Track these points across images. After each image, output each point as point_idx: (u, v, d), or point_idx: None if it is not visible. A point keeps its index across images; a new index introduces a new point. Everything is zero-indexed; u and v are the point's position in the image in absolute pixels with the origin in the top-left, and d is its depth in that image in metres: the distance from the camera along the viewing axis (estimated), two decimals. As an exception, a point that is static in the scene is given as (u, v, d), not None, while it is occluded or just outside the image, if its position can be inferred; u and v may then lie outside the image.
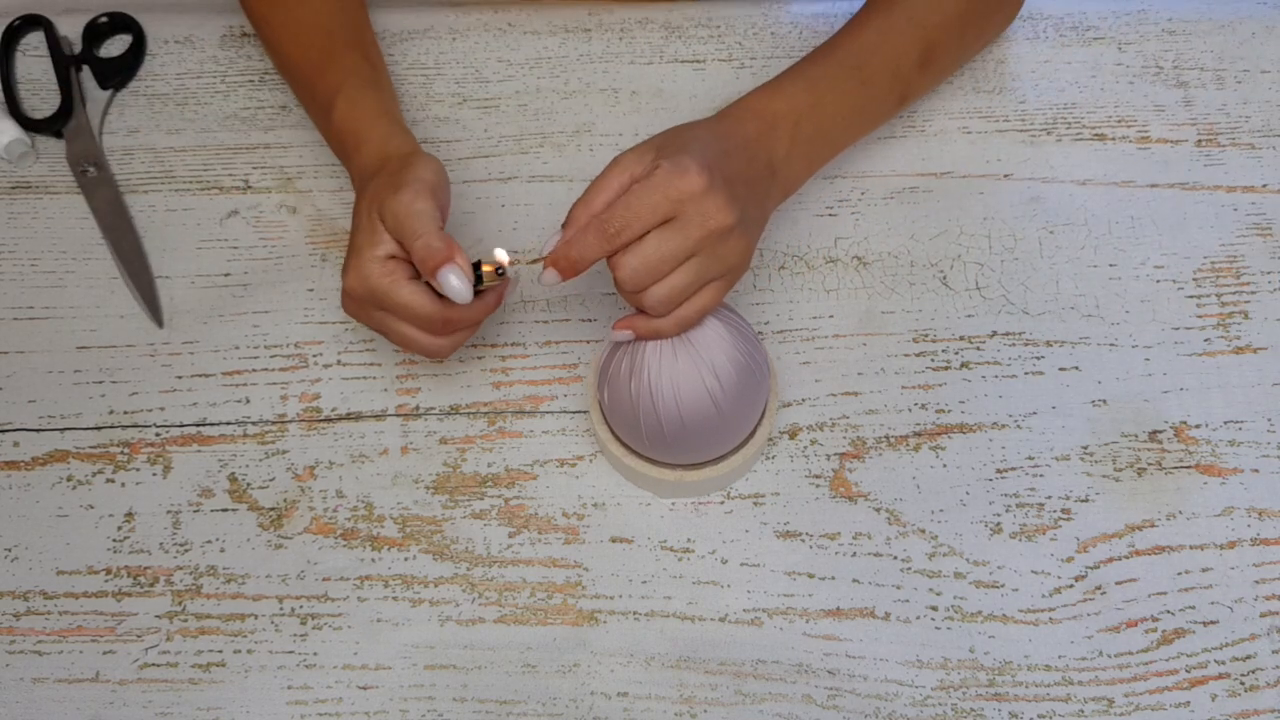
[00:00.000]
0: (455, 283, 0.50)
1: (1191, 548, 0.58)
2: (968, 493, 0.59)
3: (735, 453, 0.57)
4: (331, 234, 0.67)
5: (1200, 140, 0.69)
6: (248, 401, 0.62)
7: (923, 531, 0.58)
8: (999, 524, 0.58)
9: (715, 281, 0.52)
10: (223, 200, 0.69)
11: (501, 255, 0.52)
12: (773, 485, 0.59)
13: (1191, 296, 0.64)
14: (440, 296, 0.52)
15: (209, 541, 0.59)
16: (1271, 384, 0.62)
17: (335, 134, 0.60)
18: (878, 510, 0.59)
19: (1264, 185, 0.67)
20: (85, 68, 0.73)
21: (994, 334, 0.63)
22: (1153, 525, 0.58)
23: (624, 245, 0.50)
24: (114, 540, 0.59)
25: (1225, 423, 0.61)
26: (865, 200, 0.67)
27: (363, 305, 0.54)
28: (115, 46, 0.74)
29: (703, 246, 0.50)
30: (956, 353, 0.63)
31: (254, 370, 0.63)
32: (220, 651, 0.56)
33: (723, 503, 0.59)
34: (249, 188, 0.69)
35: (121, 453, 0.61)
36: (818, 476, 0.60)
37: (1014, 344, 0.63)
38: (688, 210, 0.50)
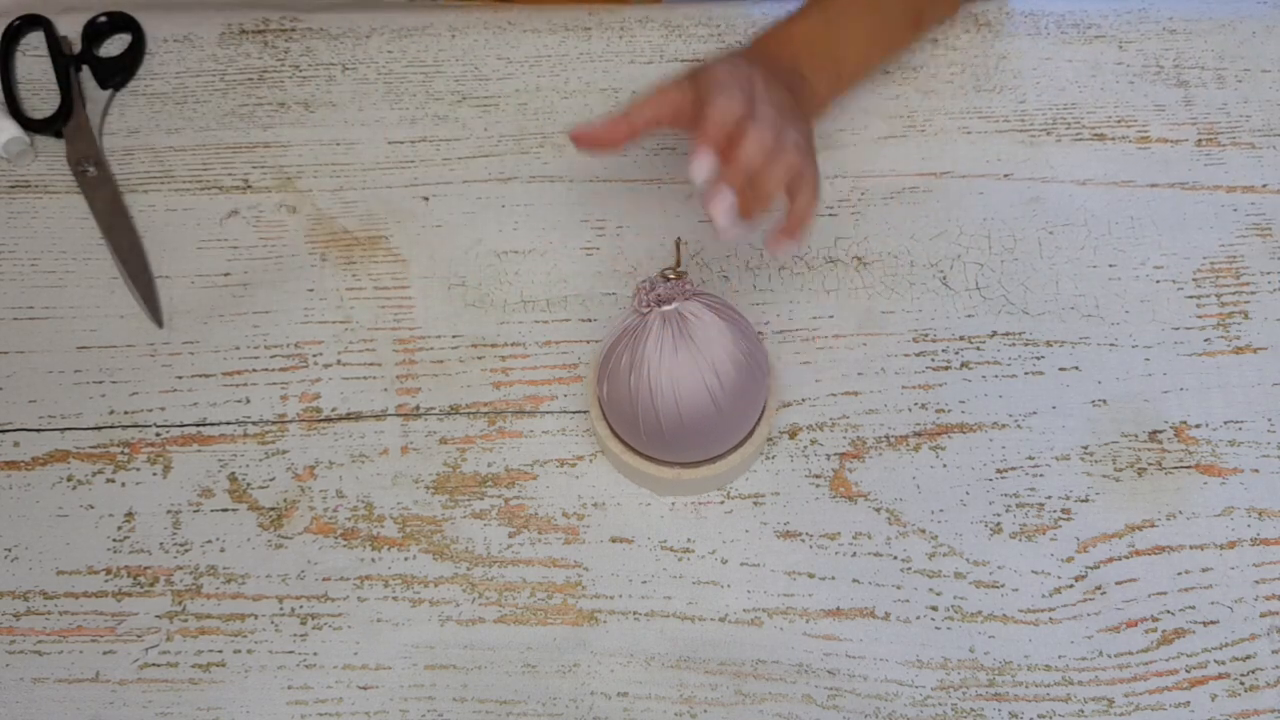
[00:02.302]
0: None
1: (1191, 548, 0.58)
2: (968, 493, 0.59)
3: (734, 451, 0.57)
4: (331, 234, 0.67)
5: (1200, 140, 0.69)
6: (248, 401, 0.62)
7: (923, 531, 0.58)
8: (999, 524, 0.58)
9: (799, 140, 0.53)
10: (223, 200, 0.68)
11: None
12: (773, 485, 0.59)
13: (1191, 296, 0.64)
14: None
15: (209, 541, 0.59)
16: (1271, 384, 0.62)
17: None
18: (878, 510, 0.59)
19: (1264, 185, 0.67)
20: (85, 67, 0.73)
21: (994, 334, 0.63)
22: (1153, 525, 0.58)
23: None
24: (114, 540, 0.59)
25: (1225, 423, 0.61)
26: (865, 200, 0.67)
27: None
28: (115, 46, 0.74)
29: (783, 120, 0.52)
30: (956, 353, 0.63)
31: (254, 370, 0.63)
32: (220, 651, 0.56)
33: (722, 503, 0.59)
34: (249, 187, 0.69)
35: (121, 453, 0.61)
36: (818, 476, 0.60)
37: (1014, 344, 0.63)
38: (759, 99, 0.52)
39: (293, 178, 0.69)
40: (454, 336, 0.64)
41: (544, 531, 0.59)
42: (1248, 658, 0.55)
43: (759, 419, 0.57)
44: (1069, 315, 0.63)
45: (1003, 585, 0.57)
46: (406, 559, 0.58)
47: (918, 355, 0.63)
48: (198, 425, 0.62)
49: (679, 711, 0.55)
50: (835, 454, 0.60)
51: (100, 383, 0.63)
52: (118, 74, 0.72)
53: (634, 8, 0.74)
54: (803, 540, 0.58)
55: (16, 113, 0.71)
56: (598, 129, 0.53)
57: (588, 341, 0.63)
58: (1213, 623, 0.56)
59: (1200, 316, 0.64)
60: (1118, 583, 0.57)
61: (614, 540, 0.58)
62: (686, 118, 0.53)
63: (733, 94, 0.51)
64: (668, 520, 0.59)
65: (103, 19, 0.74)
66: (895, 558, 0.58)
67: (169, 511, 0.60)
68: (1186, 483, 0.59)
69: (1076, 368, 0.62)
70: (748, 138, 0.50)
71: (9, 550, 0.59)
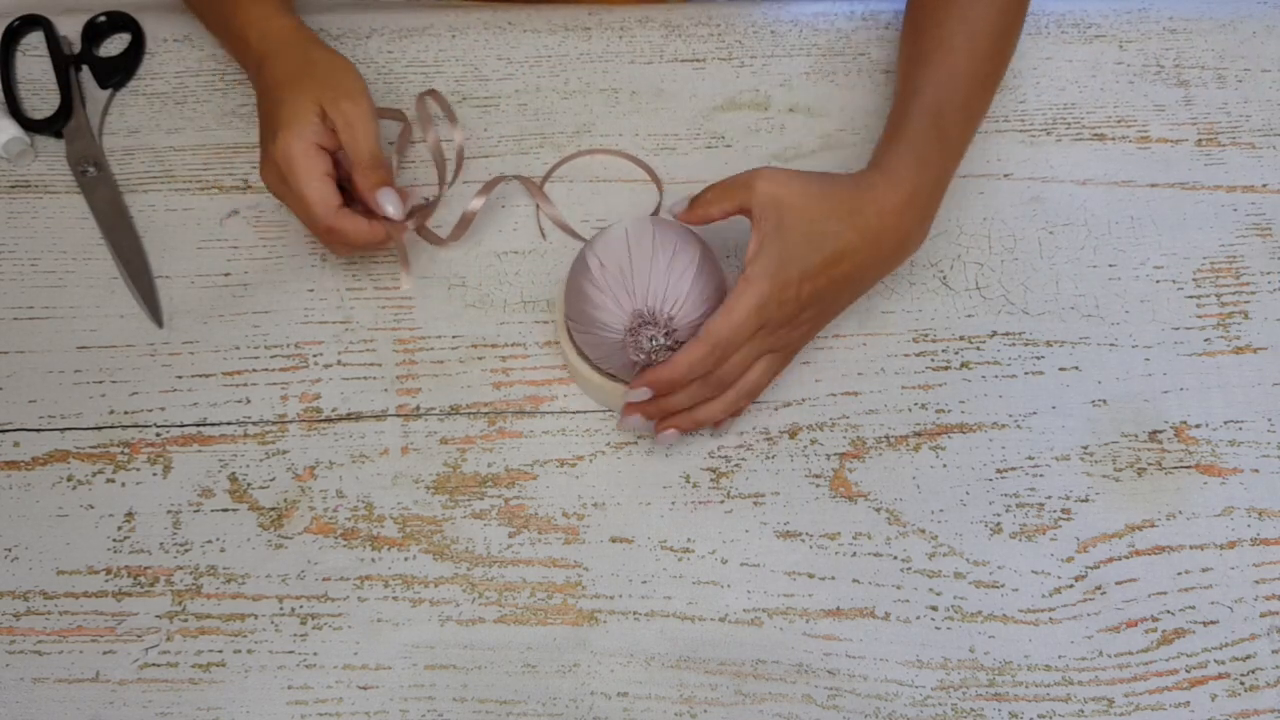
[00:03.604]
0: (391, 207, 0.59)
1: (1191, 548, 0.58)
2: (968, 493, 0.59)
3: None
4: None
5: (1200, 140, 0.69)
6: (248, 401, 0.62)
7: (923, 531, 0.58)
8: (999, 524, 0.58)
9: (784, 358, 0.58)
10: (223, 200, 0.68)
11: (389, 203, 0.59)
12: (773, 485, 0.59)
13: (1191, 296, 0.64)
14: (338, 204, 0.58)
15: (209, 541, 0.59)
16: (1271, 384, 0.62)
17: (239, 24, 0.64)
18: (878, 510, 0.59)
19: (1264, 185, 0.67)
20: (85, 67, 0.73)
21: (994, 334, 0.63)
22: (1153, 525, 0.58)
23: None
24: (114, 540, 0.59)
25: (1225, 423, 0.61)
26: (865, 200, 0.67)
27: (278, 183, 0.59)
28: (115, 46, 0.74)
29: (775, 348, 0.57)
30: (956, 353, 0.63)
31: (254, 370, 0.63)
32: (220, 651, 0.56)
33: (723, 502, 0.59)
34: (249, 187, 0.69)
35: (121, 453, 0.61)
36: (818, 476, 0.60)
37: (1014, 344, 0.63)
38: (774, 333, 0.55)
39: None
40: (454, 336, 0.64)
41: (544, 531, 0.59)
42: (1248, 658, 0.55)
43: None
44: (1069, 315, 0.63)
45: (1003, 585, 0.57)
46: (406, 559, 0.58)
47: (918, 355, 0.63)
48: (198, 425, 0.62)
49: (679, 711, 0.55)
50: (835, 454, 0.60)
51: (100, 383, 0.63)
52: (118, 74, 0.72)
53: (634, 8, 0.74)
54: (803, 540, 0.58)
55: (16, 113, 0.71)
56: (680, 211, 0.57)
57: (588, 341, 0.63)
58: (1213, 623, 0.56)
59: (1200, 316, 0.64)
60: (1118, 583, 0.57)
61: (614, 540, 0.58)
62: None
63: (713, 348, 0.53)
64: (668, 520, 0.59)
65: (103, 19, 0.74)
66: (895, 558, 0.58)
67: (169, 511, 0.60)
68: (1186, 483, 0.59)
69: (1076, 368, 0.62)
70: (710, 404, 0.56)
71: (9, 550, 0.59)
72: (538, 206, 0.67)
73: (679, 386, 0.54)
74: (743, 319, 0.53)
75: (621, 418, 0.56)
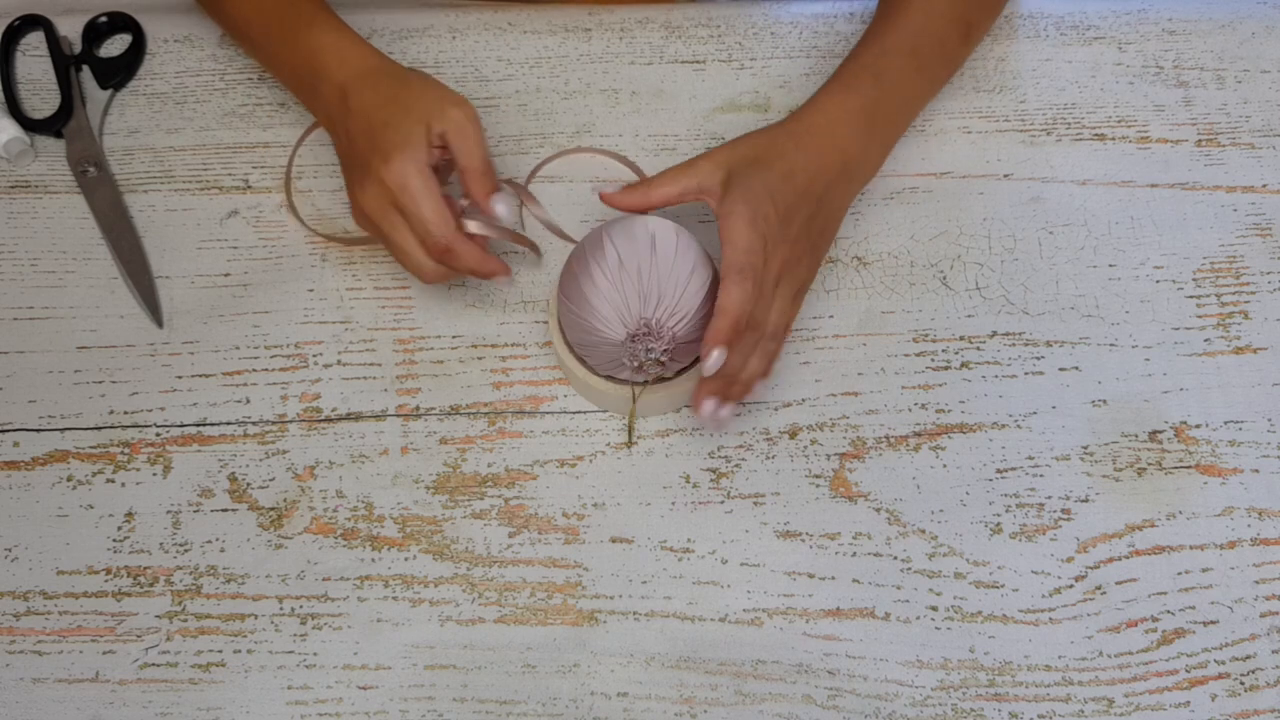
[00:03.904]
0: (504, 208, 0.58)
1: (1191, 548, 0.58)
2: (968, 493, 0.59)
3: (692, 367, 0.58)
4: (331, 234, 0.67)
5: (1200, 140, 0.69)
6: (248, 401, 0.62)
7: (923, 531, 0.58)
8: (999, 524, 0.58)
9: (794, 292, 0.57)
10: (223, 200, 0.68)
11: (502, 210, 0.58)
12: (773, 485, 0.59)
13: (1191, 296, 0.64)
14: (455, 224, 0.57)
15: (209, 541, 0.59)
16: (1271, 384, 0.62)
17: (308, 51, 0.62)
18: (878, 510, 0.59)
19: (1264, 185, 0.67)
20: (85, 68, 0.73)
21: (994, 334, 0.63)
22: (1153, 525, 0.58)
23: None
24: (114, 540, 0.59)
25: (1225, 423, 0.61)
26: (865, 200, 0.67)
27: (385, 207, 0.57)
28: (115, 46, 0.74)
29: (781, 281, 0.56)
30: (956, 353, 0.63)
31: (254, 370, 0.63)
32: (220, 651, 0.56)
33: (723, 503, 0.59)
34: (249, 187, 0.69)
35: (121, 453, 0.61)
36: (818, 476, 0.60)
37: (1014, 344, 0.63)
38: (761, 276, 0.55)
39: (293, 178, 0.69)
40: (454, 336, 0.64)
41: (544, 531, 0.59)
42: (1248, 658, 0.55)
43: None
44: (1069, 315, 0.64)
45: (1003, 585, 0.57)
46: (406, 559, 0.58)
47: (918, 355, 0.63)
48: (198, 425, 0.62)
49: (679, 711, 0.55)
50: (835, 454, 0.60)
51: (100, 383, 0.63)
52: (118, 74, 0.72)
53: (634, 9, 0.74)
54: (803, 540, 0.58)
55: (16, 113, 0.71)
56: (619, 198, 0.58)
57: (588, 341, 0.63)
58: (1213, 623, 0.56)
59: (1200, 316, 0.64)
60: (1118, 583, 0.57)
61: (614, 540, 0.58)
62: (694, 198, 0.57)
63: (745, 278, 0.53)
64: (668, 520, 0.59)
65: (103, 19, 0.74)
66: (895, 558, 0.58)
67: (169, 511, 0.60)
68: (1186, 483, 0.59)
69: (1076, 368, 0.62)
70: (752, 356, 0.55)
71: (9, 550, 0.59)
72: (521, 206, 0.67)
73: (739, 335, 0.53)
74: (748, 241, 0.53)
75: (699, 405, 0.54)
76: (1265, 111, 0.70)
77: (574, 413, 0.62)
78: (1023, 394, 0.61)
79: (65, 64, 0.72)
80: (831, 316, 0.64)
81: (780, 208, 0.55)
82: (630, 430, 0.60)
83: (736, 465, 0.60)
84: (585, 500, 0.59)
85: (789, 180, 0.56)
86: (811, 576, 0.57)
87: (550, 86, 0.72)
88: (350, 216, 0.66)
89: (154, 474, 0.61)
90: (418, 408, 0.62)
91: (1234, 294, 0.64)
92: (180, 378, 0.63)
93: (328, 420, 0.62)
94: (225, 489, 0.60)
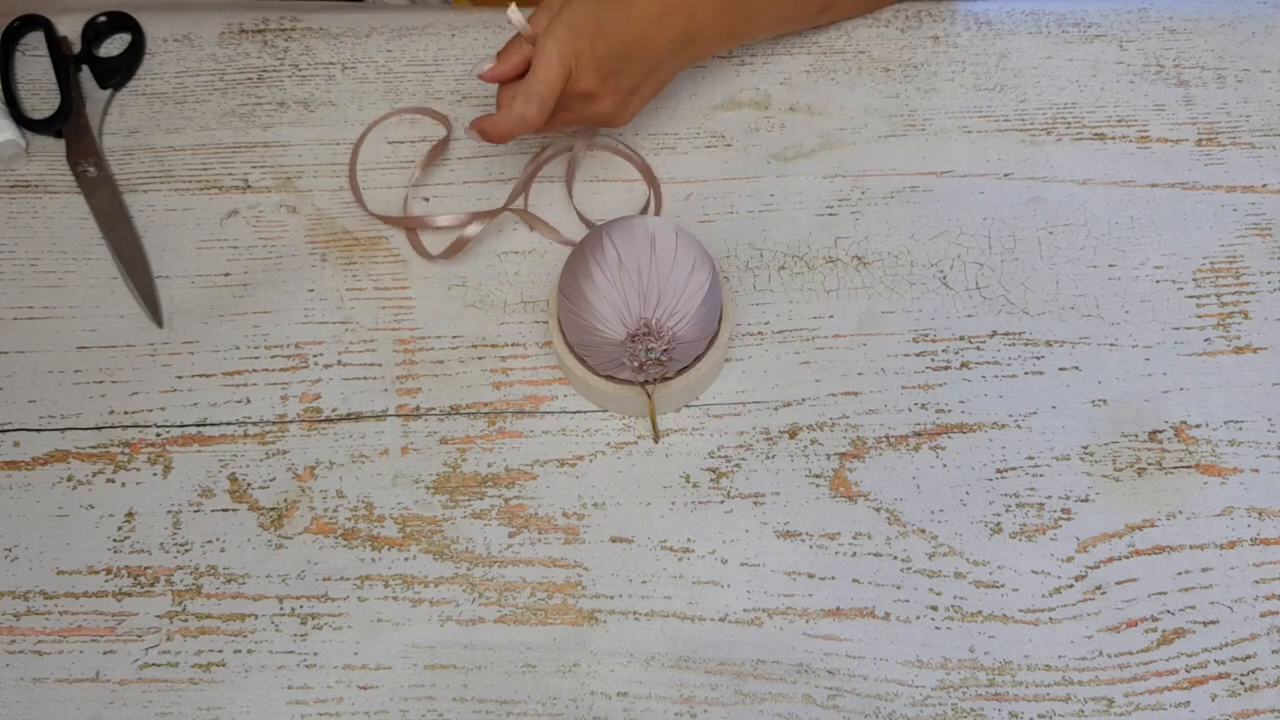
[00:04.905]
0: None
1: (1191, 548, 0.58)
2: (968, 493, 0.59)
3: (700, 360, 0.58)
4: (331, 234, 0.67)
5: (1200, 140, 0.69)
6: (248, 401, 0.62)
7: (923, 531, 0.58)
8: (999, 524, 0.58)
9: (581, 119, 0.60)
10: (223, 200, 0.68)
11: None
12: (773, 485, 0.59)
13: (1191, 296, 0.64)
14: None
15: (209, 541, 0.59)
16: (1271, 384, 0.62)
17: None
18: (878, 510, 0.59)
19: (1264, 185, 0.67)
20: (85, 67, 0.73)
21: (994, 334, 0.63)
22: (1153, 525, 0.58)
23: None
24: (114, 540, 0.59)
25: (1225, 423, 0.61)
26: (865, 200, 0.67)
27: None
28: (115, 46, 0.74)
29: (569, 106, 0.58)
30: (956, 353, 0.63)
31: (254, 370, 0.63)
32: (220, 651, 0.56)
33: (723, 502, 0.59)
34: (249, 187, 0.69)
35: (122, 453, 0.61)
36: (818, 476, 0.60)
37: (1014, 344, 0.63)
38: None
39: (293, 178, 0.69)
40: (454, 336, 0.64)
41: (544, 531, 0.59)
42: (1248, 658, 0.55)
43: (718, 327, 0.58)
44: (1069, 315, 0.63)
45: (1003, 585, 0.57)
46: (406, 559, 0.58)
47: (918, 355, 0.63)
48: (198, 425, 0.62)
49: (679, 711, 0.55)
50: (835, 454, 0.60)
51: (100, 383, 0.63)
52: (117, 74, 0.72)
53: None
54: (803, 540, 0.58)
55: (16, 113, 0.71)
56: (483, 124, 0.57)
57: (588, 341, 0.63)
58: (1213, 623, 0.56)
59: (1200, 316, 0.64)
60: (1118, 583, 0.57)
61: (614, 540, 0.59)
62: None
63: (530, 101, 0.55)
64: (668, 520, 0.59)
65: (103, 19, 0.74)
66: (895, 558, 0.58)
67: (169, 511, 0.60)
68: (1186, 483, 0.59)
69: (1076, 368, 0.62)
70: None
71: (9, 550, 0.59)
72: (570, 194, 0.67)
73: (502, 139, 0.57)
74: (551, 74, 0.55)
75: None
76: (1265, 111, 0.70)
77: (574, 413, 0.62)
78: (1023, 394, 0.61)
79: (65, 64, 0.72)
80: (831, 316, 0.64)
81: (602, 48, 0.57)
82: (654, 428, 0.59)
83: (736, 465, 0.60)
84: (585, 500, 0.59)
85: (626, 20, 0.57)
86: (811, 576, 0.57)
87: (550, 86, 0.72)
88: (348, 217, 0.67)
89: (154, 474, 0.61)
90: (418, 408, 0.62)
91: (1234, 294, 0.64)
92: (180, 378, 0.63)
93: (328, 420, 0.62)
94: (225, 489, 0.60)
